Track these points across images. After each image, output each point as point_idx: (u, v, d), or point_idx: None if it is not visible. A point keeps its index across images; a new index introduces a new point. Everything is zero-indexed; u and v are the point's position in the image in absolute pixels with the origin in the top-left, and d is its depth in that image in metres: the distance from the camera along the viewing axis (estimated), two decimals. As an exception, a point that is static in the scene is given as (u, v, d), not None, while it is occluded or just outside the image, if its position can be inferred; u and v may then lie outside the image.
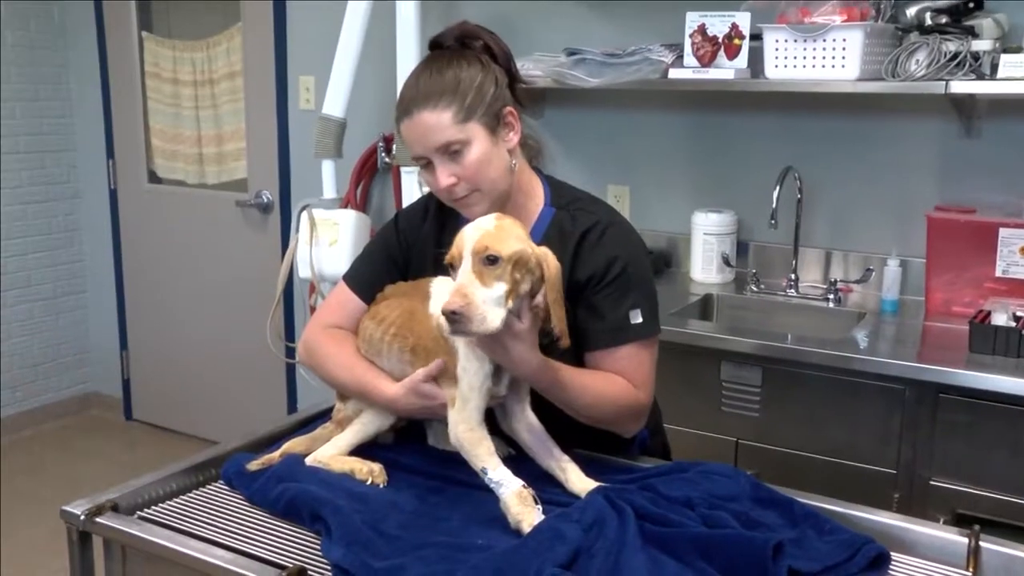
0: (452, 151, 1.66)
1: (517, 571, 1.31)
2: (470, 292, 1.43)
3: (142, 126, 4.69)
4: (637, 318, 1.72)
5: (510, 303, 1.47)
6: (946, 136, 2.95)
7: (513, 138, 1.73)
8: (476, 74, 1.68)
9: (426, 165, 1.69)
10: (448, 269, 1.49)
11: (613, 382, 1.70)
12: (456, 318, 1.41)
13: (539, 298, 1.55)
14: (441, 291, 1.68)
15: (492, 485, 1.53)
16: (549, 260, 1.53)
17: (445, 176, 1.67)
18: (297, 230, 3.46)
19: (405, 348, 1.70)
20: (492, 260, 1.45)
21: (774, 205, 2.94)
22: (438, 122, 1.65)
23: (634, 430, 1.79)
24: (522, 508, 1.49)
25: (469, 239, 1.46)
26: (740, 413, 2.66)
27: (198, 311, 4.65)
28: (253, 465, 1.72)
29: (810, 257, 3.17)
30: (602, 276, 1.72)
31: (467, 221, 1.85)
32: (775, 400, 2.62)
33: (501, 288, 1.45)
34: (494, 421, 1.67)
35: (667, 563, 1.36)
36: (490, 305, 1.43)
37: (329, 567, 1.42)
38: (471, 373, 1.58)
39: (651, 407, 1.79)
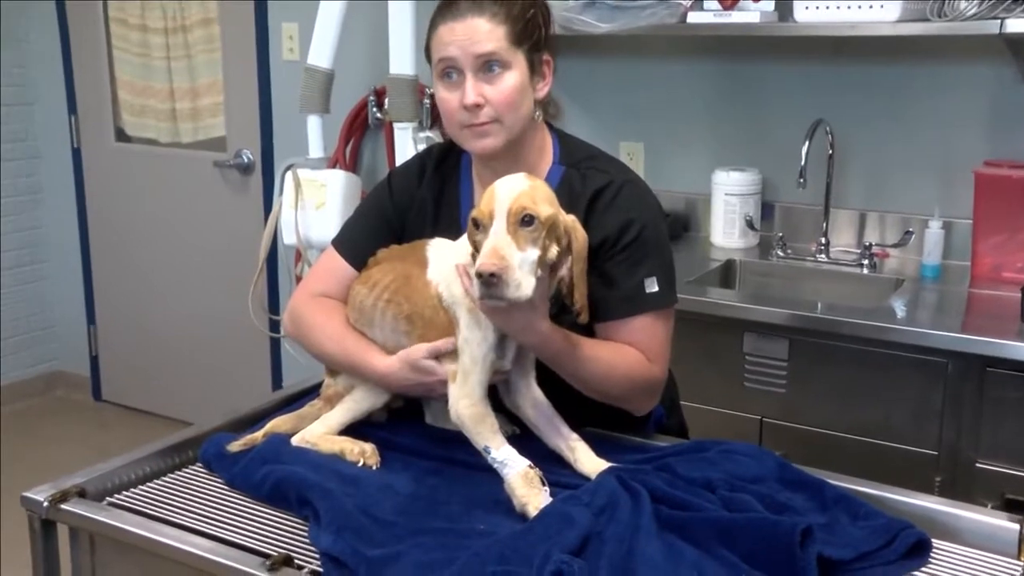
0: (490, 68, 1.69)
1: (522, 558, 1.31)
2: (507, 254, 1.44)
3: (107, 78, 4.67)
4: (652, 287, 1.73)
5: (539, 271, 1.49)
6: (999, 82, 2.93)
7: (543, 89, 1.77)
8: (530, 7, 1.72)
9: (449, 77, 1.70)
10: (473, 225, 1.50)
11: (626, 354, 1.71)
12: (493, 280, 1.43)
13: (564, 270, 1.57)
14: (440, 255, 1.69)
15: (496, 465, 1.54)
16: (578, 231, 1.55)
17: (474, 92, 1.68)
18: (281, 192, 3.45)
19: (400, 316, 1.70)
20: (528, 221, 1.47)
21: (803, 162, 2.93)
22: (490, 33, 1.67)
23: (647, 408, 1.80)
24: (528, 490, 1.50)
25: (504, 196, 1.47)
26: (765, 389, 2.66)
27: (173, 282, 4.65)
28: (235, 446, 1.73)
29: (842, 219, 3.16)
30: (615, 241, 1.72)
31: (468, 182, 1.87)
32: (803, 375, 2.62)
33: (534, 254, 1.48)
34: (497, 398, 1.67)
35: (685, 550, 1.37)
36: (524, 271, 1.46)
37: (317, 555, 1.43)
38: (474, 344, 1.58)
39: (666, 383, 1.80)
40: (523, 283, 1.45)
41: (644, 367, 1.72)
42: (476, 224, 1.49)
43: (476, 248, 1.52)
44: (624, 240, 1.72)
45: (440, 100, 1.73)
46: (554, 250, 1.52)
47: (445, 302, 1.63)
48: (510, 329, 1.57)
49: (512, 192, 1.47)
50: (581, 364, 1.64)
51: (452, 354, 1.62)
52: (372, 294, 1.74)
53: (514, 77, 1.70)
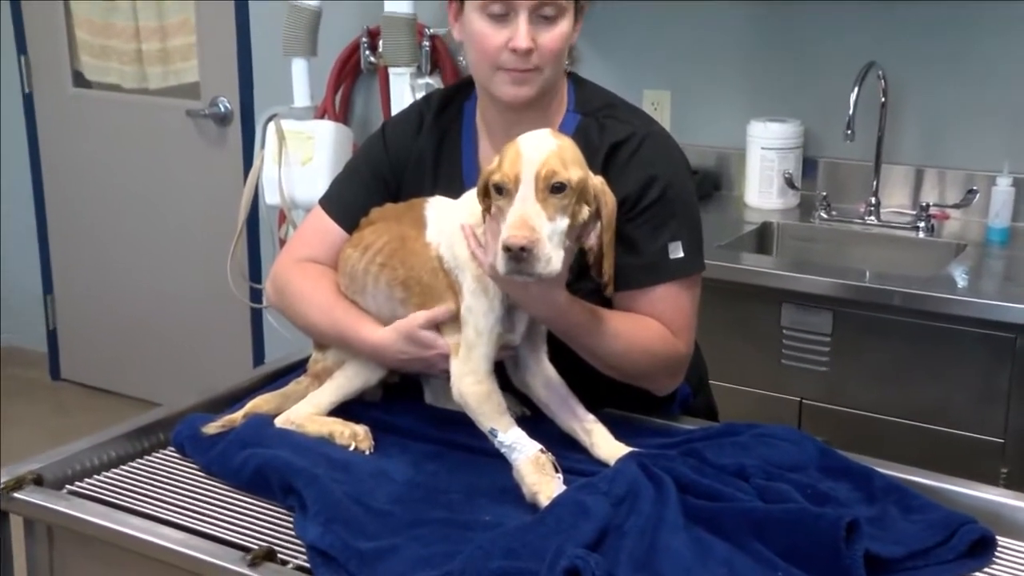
0: (546, 15, 1.71)
1: (532, 552, 1.32)
2: (537, 225, 1.45)
3: (63, 14, 4.65)
4: (677, 252, 1.73)
5: (566, 242, 1.50)
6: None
7: (575, 36, 1.79)
8: None
9: (496, 12, 1.70)
10: (495, 190, 1.49)
11: (647, 328, 1.71)
12: (524, 255, 1.43)
13: (593, 239, 1.58)
14: (441, 214, 1.69)
15: (503, 450, 1.55)
16: (608, 195, 1.56)
17: (527, 37, 1.70)
18: (263, 146, 3.46)
19: (395, 282, 1.70)
20: (559, 188, 1.48)
21: (851, 112, 2.91)
22: None
23: (669, 387, 1.81)
24: (539, 477, 1.51)
25: (531, 158, 1.47)
26: (805, 367, 2.67)
27: (141, 246, 4.66)
28: (211, 428, 1.74)
29: (895, 176, 3.15)
30: (636, 200, 1.73)
31: (471, 132, 1.87)
32: (849, 351, 2.63)
33: (564, 223, 1.49)
34: (505, 376, 1.68)
35: (714, 544, 1.38)
36: (554, 243, 1.47)
37: (303, 549, 1.44)
38: (479, 314, 1.59)
39: (693, 359, 1.81)
40: (553, 257, 1.46)
41: (667, 342, 1.73)
42: (499, 189, 1.49)
43: (489, 212, 1.53)
44: (646, 200, 1.73)
45: (477, 35, 1.72)
46: (583, 215, 1.53)
47: (447, 265, 1.64)
48: (524, 300, 1.58)
49: (540, 153, 1.48)
50: (598, 339, 1.65)
51: (454, 324, 1.63)
52: (364, 258, 1.74)
53: (567, 25, 1.73)
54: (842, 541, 1.34)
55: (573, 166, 1.50)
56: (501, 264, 1.46)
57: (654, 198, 1.72)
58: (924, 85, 3.11)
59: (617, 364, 1.69)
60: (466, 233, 1.59)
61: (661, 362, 1.74)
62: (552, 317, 1.61)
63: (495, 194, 1.50)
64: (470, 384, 1.59)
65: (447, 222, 1.67)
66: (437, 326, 1.66)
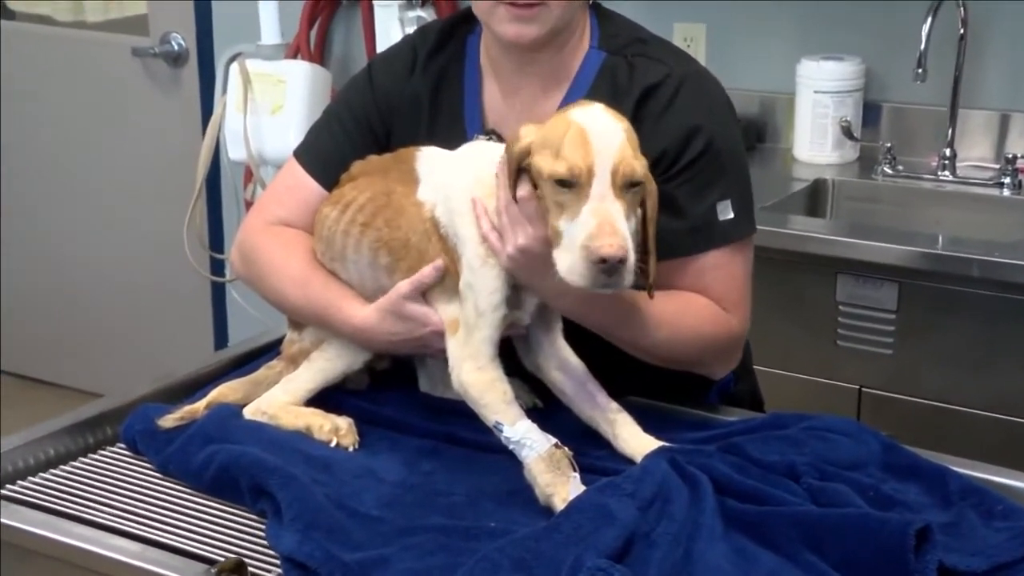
0: None
1: (546, 563, 1.34)
2: (623, 229, 1.45)
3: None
4: (727, 212, 1.75)
5: None
6: None
7: None
8: None
9: None
10: (558, 184, 1.47)
11: (694, 307, 1.73)
12: (619, 268, 1.44)
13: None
14: (435, 168, 1.69)
15: (511, 446, 1.56)
16: (652, 183, 1.56)
17: None
18: (224, 91, 3.45)
19: (379, 246, 1.71)
20: (634, 185, 1.48)
21: (922, 47, 2.92)
22: None
23: (725, 371, 1.83)
24: (554, 477, 1.52)
25: (605, 149, 1.46)
26: (865, 350, 2.68)
27: (81, 213, 4.65)
28: (168, 420, 1.75)
29: (975, 123, 3.15)
30: (677, 155, 1.74)
31: (475, 74, 1.87)
32: (917, 331, 2.63)
33: (633, 223, 1.50)
34: (515, 358, 1.69)
35: (760, 555, 1.39)
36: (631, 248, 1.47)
37: (278, 561, 1.45)
38: (480, 293, 1.59)
39: (742, 339, 1.82)
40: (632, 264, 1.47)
41: (720, 320, 1.74)
42: (563, 183, 1.46)
43: (516, 195, 1.52)
44: (689, 154, 1.74)
45: None
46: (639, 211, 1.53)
47: (443, 230, 1.64)
48: (541, 290, 1.59)
49: (613, 143, 1.47)
50: (639, 330, 1.66)
51: (448, 290, 1.64)
52: (343, 218, 1.75)
53: None
54: (911, 552, 1.34)
55: (639, 154, 1.50)
56: (583, 275, 1.45)
57: (698, 152, 1.74)
58: (1011, 15, 3.11)
59: (662, 352, 1.71)
60: (477, 212, 1.59)
61: (714, 345, 1.75)
62: (585, 312, 1.63)
63: (557, 188, 1.47)
64: (470, 371, 1.60)
65: (443, 177, 1.67)
66: (425, 294, 1.66)
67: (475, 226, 1.60)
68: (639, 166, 1.48)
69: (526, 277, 1.58)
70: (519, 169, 1.52)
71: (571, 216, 1.46)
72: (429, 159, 1.73)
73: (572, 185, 1.46)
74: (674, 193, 1.73)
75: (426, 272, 1.64)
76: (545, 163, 1.48)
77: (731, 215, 1.75)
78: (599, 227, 1.43)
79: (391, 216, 1.70)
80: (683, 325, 1.70)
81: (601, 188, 1.45)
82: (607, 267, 1.43)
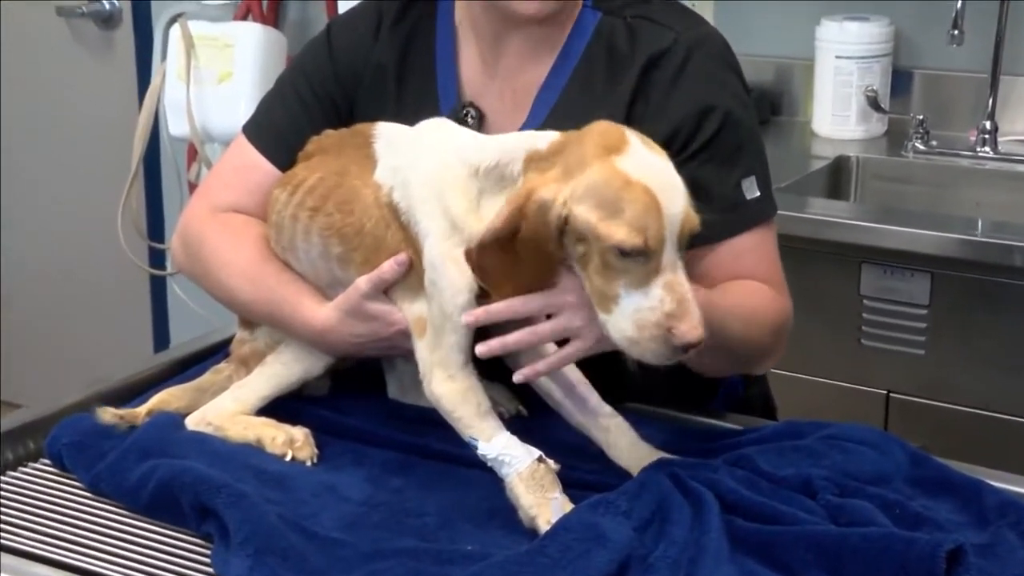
0: None
1: (529, 592, 1.34)
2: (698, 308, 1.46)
3: None
4: (753, 190, 1.78)
5: None
6: None
7: None
8: None
9: None
10: (619, 253, 1.44)
11: (750, 288, 1.75)
12: (698, 347, 1.44)
13: None
14: (394, 147, 1.69)
15: (489, 463, 1.56)
16: None
17: None
18: (164, 58, 3.45)
19: (330, 234, 1.71)
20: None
21: (959, 5, 2.92)
22: None
23: (775, 363, 1.86)
24: (537, 496, 1.52)
25: (675, 212, 1.45)
26: (893, 350, 2.69)
27: (1, 196, 4.65)
28: (107, 413, 1.75)
29: (1019, 92, 3.16)
30: (691, 134, 1.75)
31: (449, 40, 1.87)
32: (952, 328, 2.64)
33: None
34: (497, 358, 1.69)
35: (772, 580, 1.40)
36: None
37: (225, 590, 1.45)
38: (445, 292, 1.59)
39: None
40: None
41: (777, 303, 1.78)
42: (626, 252, 1.43)
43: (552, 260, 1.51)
44: (704, 133, 1.75)
45: None
46: None
47: (403, 217, 1.64)
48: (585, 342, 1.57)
49: (679, 201, 1.46)
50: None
51: (413, 286, 1.63)
52: (292, 201, 1.75)
53: None
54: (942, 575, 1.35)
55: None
56: (655, 354, 1.45)
57: (714, 130, 1.75)
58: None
59: (740, 352, 1.72)
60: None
61: (777, 331, 1.78)
62: None
63: (618, 257, 1.44)
64: (440, 381, 1.60)
65: (403, 159, 1.67)
66: (387, 290, 1.66)
67: (438, 218, 1.59)
68: (698, 218, 1.49)
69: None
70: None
71: (634, 285, 1.44)
72: (387, 136, 1.73)
73: (646, 256, 1.44)
74: (694, 175, 1.72)
75: (386, 268, 1.64)
76: (604, 229, 1.43)
77: (757, 193, 1.78)
78: (680, 308, 1.44)
79: (343, 200, 1.70)
80: (754, 314, 1.73)
81: (671, 256, 1.45)
82: (683, 348, 1.44)
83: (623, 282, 1.44)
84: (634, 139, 1.48)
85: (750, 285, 1.76)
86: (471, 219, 1.56)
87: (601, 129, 1.50)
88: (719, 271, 1.75)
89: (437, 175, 1.61)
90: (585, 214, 1.44)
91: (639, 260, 1.43)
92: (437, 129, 1.70)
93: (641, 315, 1.44)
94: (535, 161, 1.52)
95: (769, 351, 1.81)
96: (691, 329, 1.43)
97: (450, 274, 1.58)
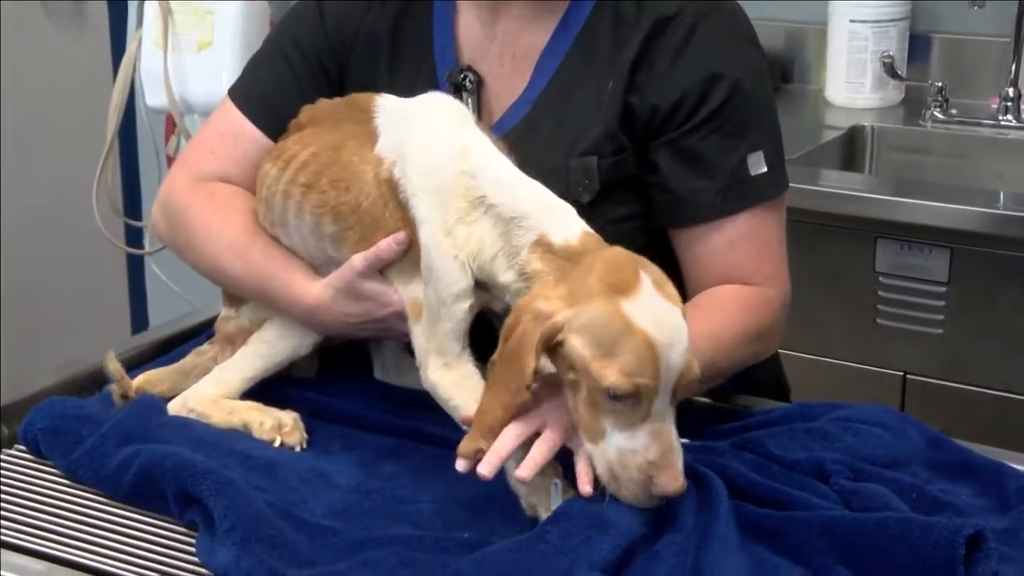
0: None
1: (530, 581, 1.35)
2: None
3: None
4: (759, 166, 1.77)
5: None
6: None
7: None
8: None
9: None
10: (610, 397, 1.42)
11: (718, 300, 1.75)
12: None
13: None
14: (397, 120, 1.69)
15: None
16: None
17: None
18: (140, 24, 3.43)
19: (323, 211, 1.71)
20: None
21: (979, -35, 2.93)
22: None
23: (772, 351, 1.88)
24: (537, 480, 1.51)
25: (674, 363, 1.43)
26: (910, 329, 2.70)
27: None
28: (112, 364, 1.76)
29: (1043, 59, 3.15)
30: (696, 104, 1.75)
31: (447, 7, 1.88)
32: (972, 306, 2.65)
33: None
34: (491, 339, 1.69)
35: (782, 568, 1.41)
36: None
37: (210, 580, 1.46)
38: (440, 280, 1.59)
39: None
40: None
41: (753, 303, 1.76)
42: (617, 396, 1.42)
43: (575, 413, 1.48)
44: (711, 103, 1.75)
45: None
46: None
47: (402, 194, 1.64)
48: None
49: (681, 352, 1.44)
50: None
51: (408, 270, 1.64)
52: (283, 177, 1.75)
53: None
54: (960, 563, 1.35)
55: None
56: (633, 495, 1.43)
57: (722, 100, 1.75)
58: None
59: (717, 372, 1.71)
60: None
61: (760, 334, 1.78)
62: None
63: (606, 400, 1.43)
64: (436, 368, 1.61)
65: (407, 131, 1.67)
66: (383, 270, 1.67)
67: (437, 210, 1.59)
68: (698, 367, 1.47)
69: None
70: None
71: (621, 426, 1.43)
72: (391, 110, 1.72)
73: (636, 401, 1.43)
74: (698, 146, 1.75)
75: (383, 246, 1.64)
76: (596, 368, 1.41)
77: (764, 169, 1.77)
78: (663, 459, 1.42)
79: (338, 176, 1.70)
80: (721, 330, 1.71)
81: (663, 405, 1.44)
82: (660, 498, 1.44)
83: (611, 421, 1.43)
84: (646, 280, 1.45)
85: (717, 295, 1.75)
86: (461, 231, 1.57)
87: (617, 262, 1.46)
88: (708, 254, 1.76)
89: (445, 180, 1.59)
90: (580, 348, 1.42)
91: (628, 404, 1.42)
92: (435, 104, 1.69)
93: (624, 456, 1.43)
94: (544, 253, 1.51)
95: (757, 355, 1.82)
96: (671, 481, 1.42)
97: (444, 262, 1.58)
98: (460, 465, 1.48)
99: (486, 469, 1.45)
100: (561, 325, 1.42)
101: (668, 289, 1.46)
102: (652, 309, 1.43)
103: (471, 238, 1.56)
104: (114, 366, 1.77)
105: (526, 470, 1.44)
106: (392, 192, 1.65)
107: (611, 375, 1.39)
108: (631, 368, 1.40)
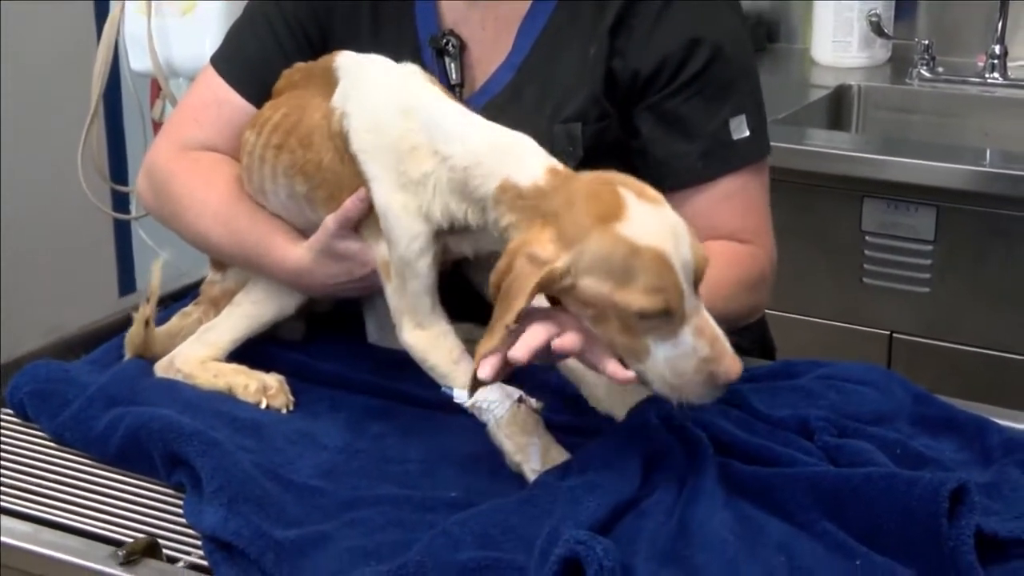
0: None
1: (516, 538, 1.36)
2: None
3: None
4: (742, 130, 1.78)
5: None
6: None
7: None
8: None
9: None
10: (638, 317, 1.42)
11: (719, 258, 1.71)
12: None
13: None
14: (356, 74, 1.69)
15: (469, 410, 1.57)
16: None
17: None
18: (122, -12, 3.43)
19: (294, 172, 1.71)
20: None
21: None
22: None
23: (760, 312, 1.88)
24: (522, 439, 1.53)
25: (685, 262, 1.43)
26: (897, 287, 2.71)
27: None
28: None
29: (1029, 16, 3.16)
30: (677, 68, 1.76)
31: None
32: (958, 265, 2.66)
33: None
34: (472, 295, 1.70)
35: (768, 524, 1.41)
36: None
37: (199, 541, 1.46)
38: (400, 239, 1.59)
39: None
40: None
41: (743, 258, 1.77)
42: (646, 315, 1.42)
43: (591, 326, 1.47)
44: (692, 67, 1.76)
45: None
46: None
47: (352, 147, 1.64)
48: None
49: (687, 247, 1.44)
50: None
51: (377, 227, 1.63)
52: (259, 142, 1.76)
53: None
54: (944, 516, 1.35)
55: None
56: (700, 395, 1.44)
57: (703, 63, 1.76)
58: None
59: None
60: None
61: (753, 288, 1.79)
62: None
63: (638, 321, 1.43)
64: (410, 329, 1.62)
65: (360, 84, 1.67)
66: (358, 229, 1.67)
67: (390, 169, 1.58)
68: (705, 251, 1.47)
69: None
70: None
71: (663, 337, 1.43)
72: (348, 64, 1.72)
73: (668, 315, 1.43)
74: (679, 110, 1.76)
75: (349, 204, 1.64)
76: (620, 298, 1.41)
77: (747, 132, 1.78)
78: (715, 349, 1.43)
79: (304, 134, 1.70)
80: (731, 289, 1.71)
81: (692, 301, 1.44)
82: (726, 385, 1.44)
83: (651, 337, 1.43)
84: (628, 196, 1.44)
85: (726, 254, 1.74)
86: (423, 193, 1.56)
87: (592, 191, 1.45)
88: (696, 216, 1.72)
89: (393, 138, 1.59)
90: (596, 286, 1.41)
91: (662, 317, 1.42)
92: (404, 75, 1.67)
93: (676, 364, 1.43)
94: (512, 199, 1.48)
95: (753, 312, 1.84)
96: (731, 366, 1.43)
97: (399, 221, 1.58)
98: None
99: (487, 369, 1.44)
100: (561, 271, 1.41)
101: (649, 193, 1.46)
102: (646, 220, 1.44)
103: (437, 198, 1.55)
104: (156, 283, 1.78)
105: (520, 351, 1.42)
106: (344, 145, 1.65)
107: (637, 299, 1.40)
108: (653, 285, 1.40)
